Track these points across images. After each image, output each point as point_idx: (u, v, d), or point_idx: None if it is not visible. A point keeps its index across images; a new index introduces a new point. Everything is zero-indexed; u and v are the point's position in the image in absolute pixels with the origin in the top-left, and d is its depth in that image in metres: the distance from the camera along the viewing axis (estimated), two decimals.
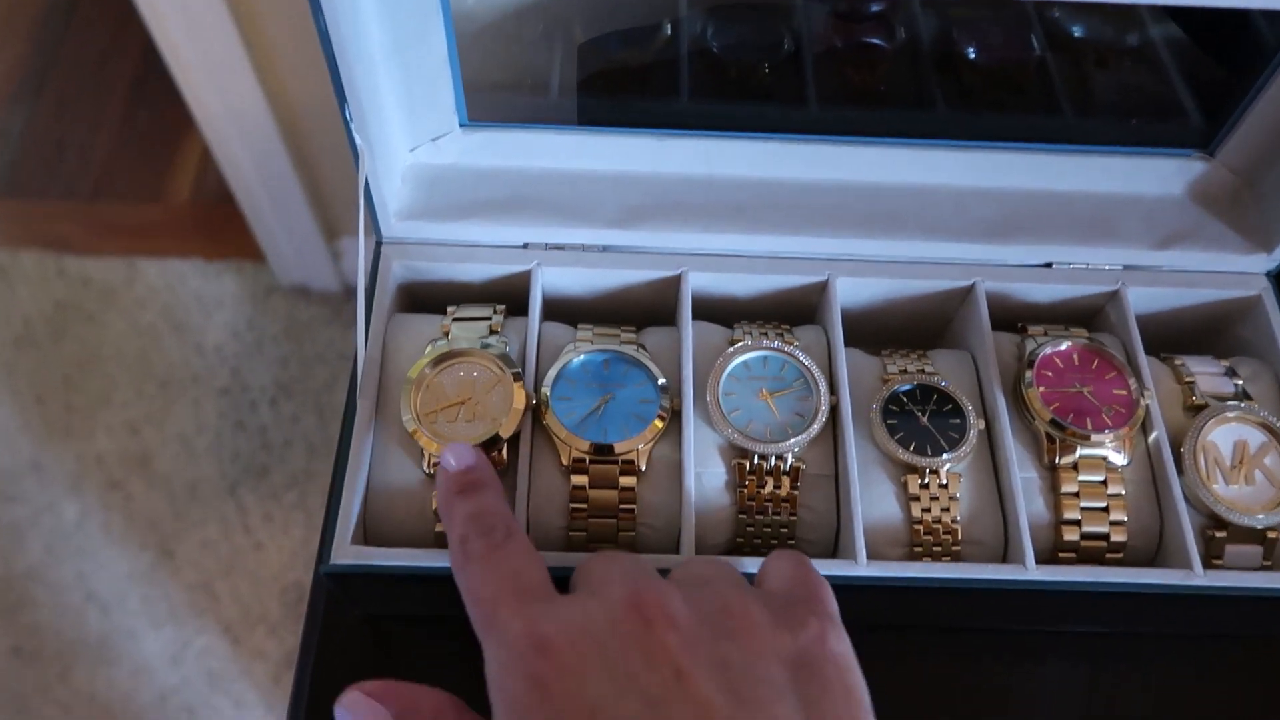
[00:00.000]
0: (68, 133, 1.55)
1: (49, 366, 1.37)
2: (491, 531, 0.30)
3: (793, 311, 0.45)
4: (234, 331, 1.40)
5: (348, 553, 0.37)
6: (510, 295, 0.43)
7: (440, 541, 0.38)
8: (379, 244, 0.43)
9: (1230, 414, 0.41)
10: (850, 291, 0.44)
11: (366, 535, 0.39)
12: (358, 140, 0.38)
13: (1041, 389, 0.41)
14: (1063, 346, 0.42)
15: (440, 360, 0.40)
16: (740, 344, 0.42)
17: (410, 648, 0.43)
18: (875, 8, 0.47)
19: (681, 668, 0.24)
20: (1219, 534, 0.40)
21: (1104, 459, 0.40)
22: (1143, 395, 0.41)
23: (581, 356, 0.41)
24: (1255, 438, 0.41)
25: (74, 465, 1.31)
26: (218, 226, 1.45)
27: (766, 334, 0.43)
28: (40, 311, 1.40)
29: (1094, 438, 0.40)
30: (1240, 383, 0.43)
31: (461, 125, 0.44)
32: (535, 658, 0.25)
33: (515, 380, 0.39)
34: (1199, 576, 0.37)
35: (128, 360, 1.37)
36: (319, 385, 1.36)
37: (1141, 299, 0.44)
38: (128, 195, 1.50)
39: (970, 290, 0.44)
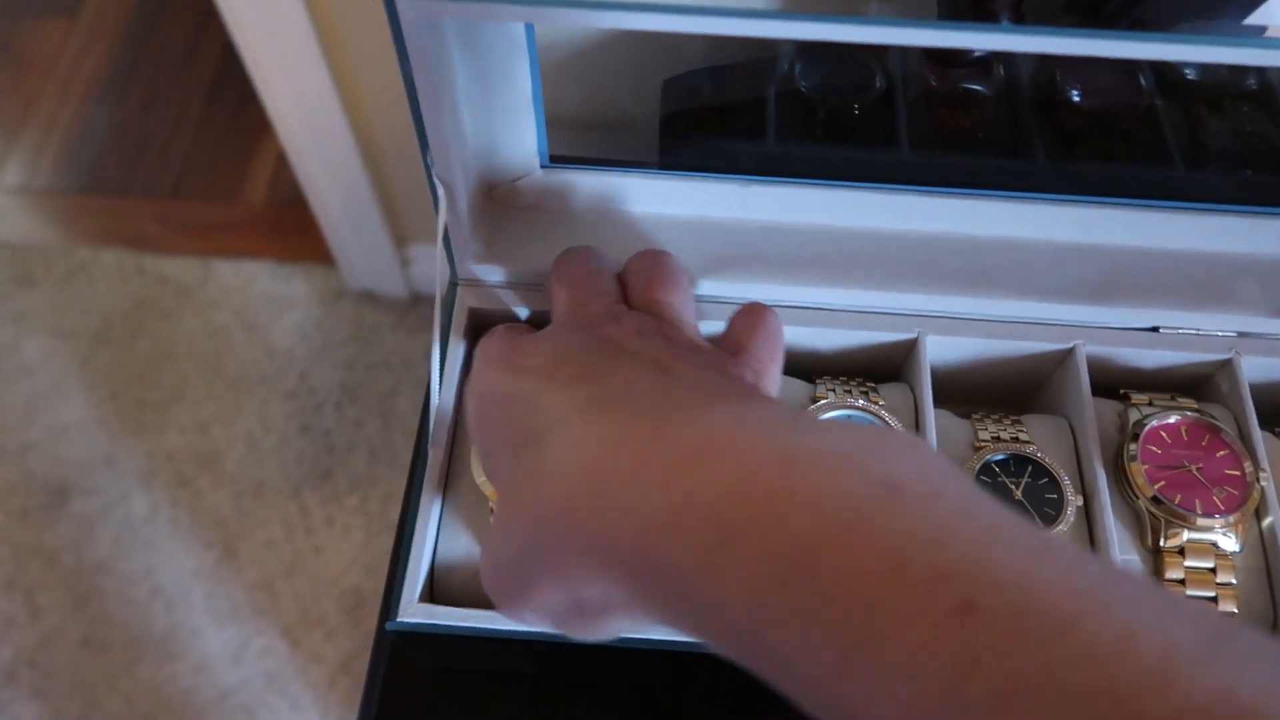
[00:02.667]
0: (150, 131, 1.58)
1: (125, 362, 1.40)
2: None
3: (878, 369, 0.43)
4: (302, 334, 1.41)
5: (415, 611, 0.36)
6: None
7: None
8: (453, 285, 0.42)
9: None
10: (940, 350, 0.42)
11: (434, 591, 0.38)
12: (439, 186, 0.37)
13: (1146, 465, 0.39)
14: (1171, 419, 0.40)
15: None
16: (823, 401, 0.41)
17: (473, 701, 0.42)
18: (978, 53, 0.45)
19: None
20: None
21: (1213, 544, 0.38)
22: (1259, 477, 0.38)
23: None
24: None
25: (145, 460, 1.33)
26: (290, 229, 1.47)
27: (851, 391, 0.41)
28: (119, 308, 1.43)
29: (1202, 521, 0.38)
30: None
31: (543, 166, 0.43)
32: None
33: None
34: None
35: (200, 359, 1.40)
36: (384, 390, 1.37)
37: (1257, 368, 0.42)
38: (205, 195, 1.52)
39: (1070, 353, 0.42)
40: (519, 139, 0.41)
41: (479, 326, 0.44)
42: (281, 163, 1.52)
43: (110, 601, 1.25)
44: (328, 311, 1.42)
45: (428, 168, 0.37)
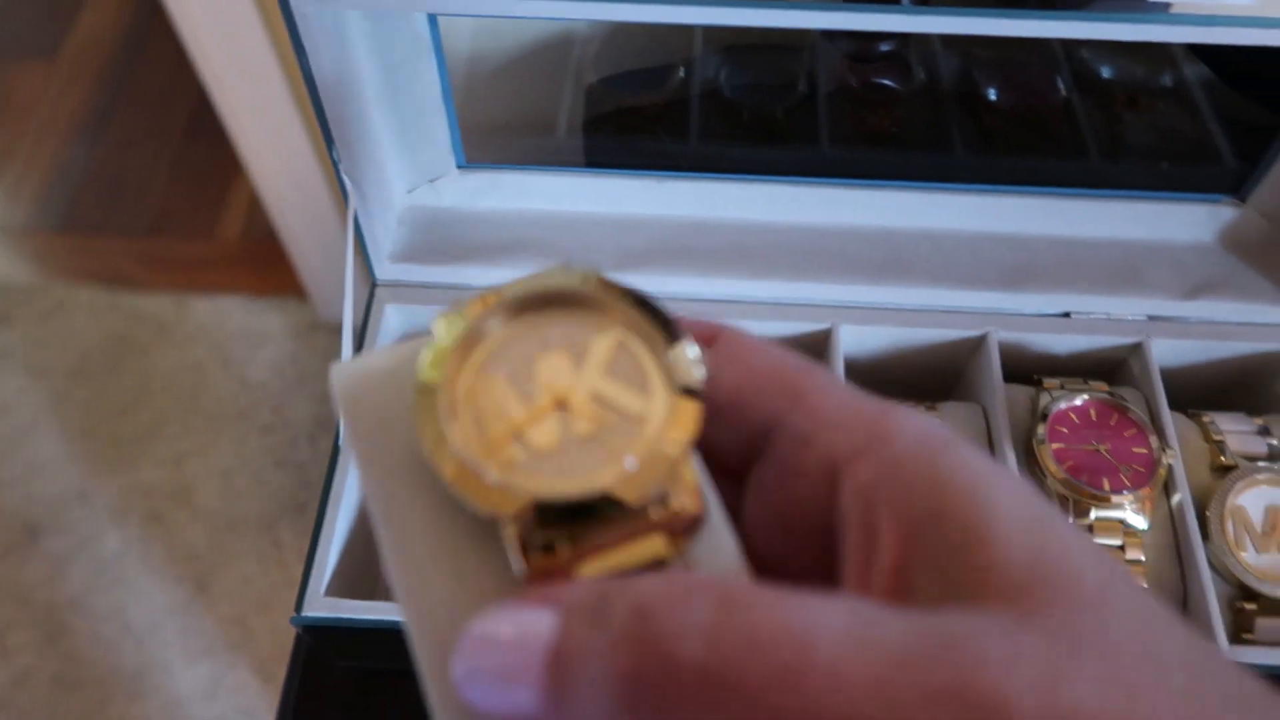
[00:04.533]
0: (127, 170, 1.59)
1: (101, 399, 1.40)
2: None
3: None
4: (277, 368, 1.41)
5: (321, 605, 0.36)
6: None
7: None
8: (373, 286, 0.43)
9: (1262, 476, 0.38)
10: (856, 340, 0.43)
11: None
12: (346, 181, 0.38)
13: (1055, 445, 0.39)
14: (1079, 401, 0.40)
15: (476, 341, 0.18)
16: None
17: (396, 706, 0.42)
18: (885, 48, 0.46)
19: None
20: (1248, 606, 0.37)
21: (1122, 522, 0.38)
22: (1165, 454, 0.38)
23: None
24: None
25: (119, 497, 1.33)
26: (265, 263, 1.48)
27: None
28: (95, 344, 1.44)
29: (1112, 499, 0.38)
30: (1275, 442, 0.40)
31: (459, 166, 0.43)
32: None
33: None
34: (1226, 652, 0.35)
35: (176, 394, 1.40)
36: None
37: (1167, 352, 0.42)
38: (182, 231, 1.54)
39: (982, 341, 0.42)
40: (432, 139, 0.42)
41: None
42: (256, 199, 1.53)
43: (82, 639, 1.24)
44: (302, 344, 1.43)
45: (335, 164, 0.38)
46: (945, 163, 0.47)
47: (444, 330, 0.17)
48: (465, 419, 0.16)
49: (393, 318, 0.43)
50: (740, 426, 0.17)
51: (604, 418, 0.16)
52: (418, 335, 0.19)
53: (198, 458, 1.36)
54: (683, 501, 0.16)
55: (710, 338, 0.18)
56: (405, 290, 0.43)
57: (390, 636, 0.37)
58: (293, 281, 1.38)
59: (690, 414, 0.16)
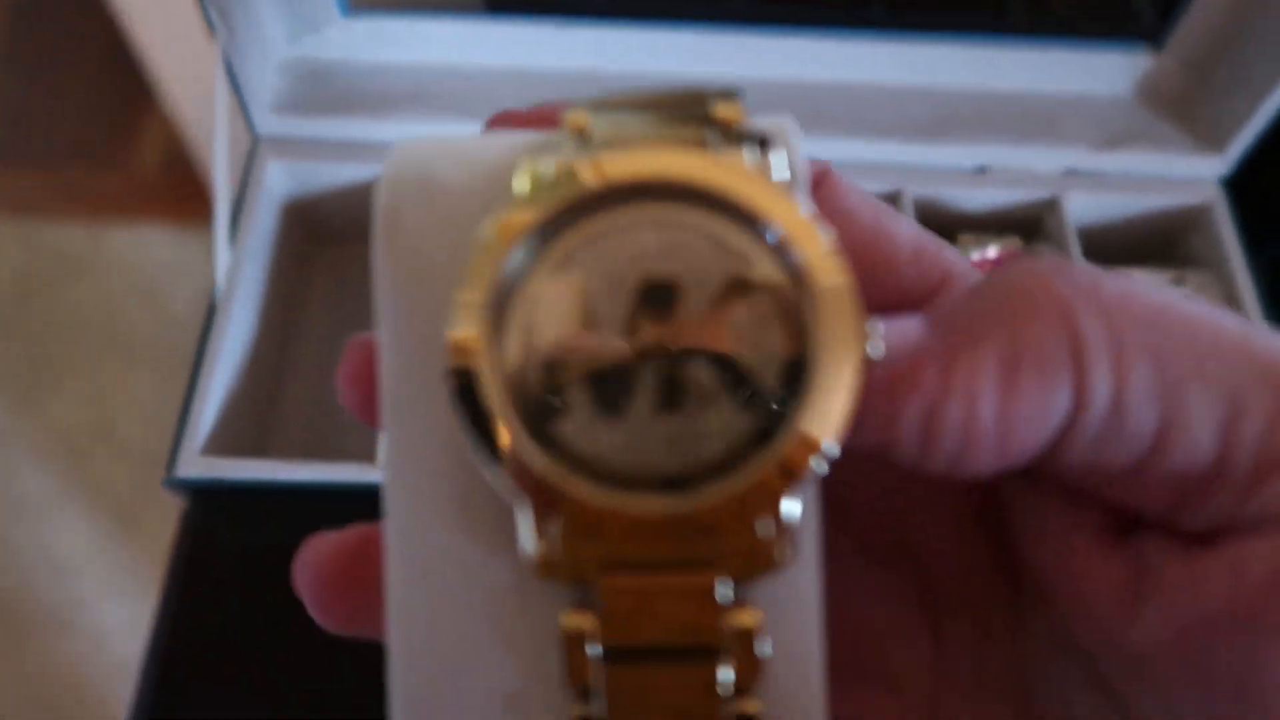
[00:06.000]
0: (38, 99, 1.52)
1: (13, 336, 1.34)
2: None
3: None
4: (200, 301, 1.37)
5: (198, 464, 0.34)
6: None
7: None
8: (255, 142, 0.40)
9: None
10: None
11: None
12: (213, 16, 0.35)
13: None
14: (990, 253, 0.39)
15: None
16: None
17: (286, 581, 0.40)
18: None
19: None
20: None
21: None
22: None
23: None
24: None
25: (38, 434, 1.28)
26: (184, 195, 1.43)
27: None
28: (5, 278, 1.38)
29: None
30: (1187, 291, 0.39)
31: (344, 14, 0.41)
32: None
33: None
34: None
35: (93, 329, 1.35)
36: None
37: (1084, 207, 0.41)
38: (96, 162, 1.47)
39: (897, 197, 0.41)
40: None
41: (303, 231, 0.41)
42: (172, 128, 1.47)
43: (4, 577, 1.20)
44: None
45: (202, 3, 0.35)
46: (860, 12, 0.45)
47: (533, 182, 0.12)
48: (519, 326, 0.12)
49: (277, 176, 0.40)
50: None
51: (705, 392, 0.12)
52: (508, 137, 0.13)
53: (118, 394, 1.32)
54: (770, 542, 0.12)
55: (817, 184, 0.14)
56: (291, 146, 0.40)
57: (284, 501, 0.35)
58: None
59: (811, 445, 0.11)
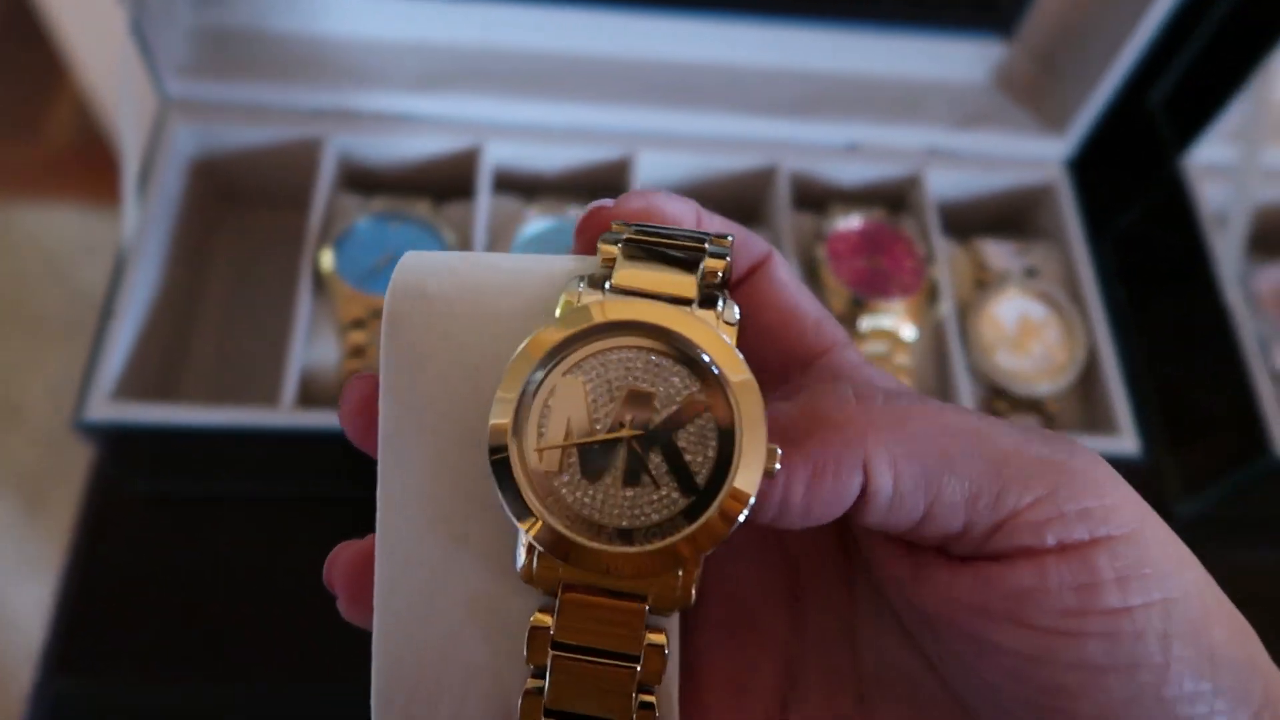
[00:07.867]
0: None
1: None
2: None
3: (601, 190, 0.45)
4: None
5: (108, 408, 0.36)
6: (299, 164, 0.42)
7: None
8: (162, 104, 0.42)
9: (1014, 287, 0.42)
10: (655, 169, 0.44)
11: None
12: None
13: (832, 263, 0.41)
14: (855, 224, 0.42)
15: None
16: (535, 213, 0.42)
17: (193, 528, 0.41)
18: None
19: None
20: (1000, 404, 0.41)
21: (894, 332, 0.41)
22: (931, 268, 0.41)
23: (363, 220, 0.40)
24: (1038, 311, 0.42)
25: None
26: (96, 171, 1.40)
27: (564, 207, 0.43)
28: None
29: (881, 305, 0.40)
30: (1031, 263, 0.43)
31: None
32: None
33: None
34: None
35: (0, 306, 1.32)
36: None
37: (944, 183, 0.45)
38: (4, 137, 1.44)
39: (774, 170, 0.44)
40: None
41: (215, 190, 0.43)
42: (82, 102, 1.44)
43: None
44: None
45: None
46: None
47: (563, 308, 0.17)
48: (539, 410, 0.17)
49: (185, 140, 0.42)
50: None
51: (657, 476, 0.17)
52: (504, 254, 0.18)
53: (25, 373, 1.29)
54: (687, 587, 0.17)
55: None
56: (198, 108, 0.42)
57: (197, 446, 0.37)
58: None
59: (717, 529, 0.16)
